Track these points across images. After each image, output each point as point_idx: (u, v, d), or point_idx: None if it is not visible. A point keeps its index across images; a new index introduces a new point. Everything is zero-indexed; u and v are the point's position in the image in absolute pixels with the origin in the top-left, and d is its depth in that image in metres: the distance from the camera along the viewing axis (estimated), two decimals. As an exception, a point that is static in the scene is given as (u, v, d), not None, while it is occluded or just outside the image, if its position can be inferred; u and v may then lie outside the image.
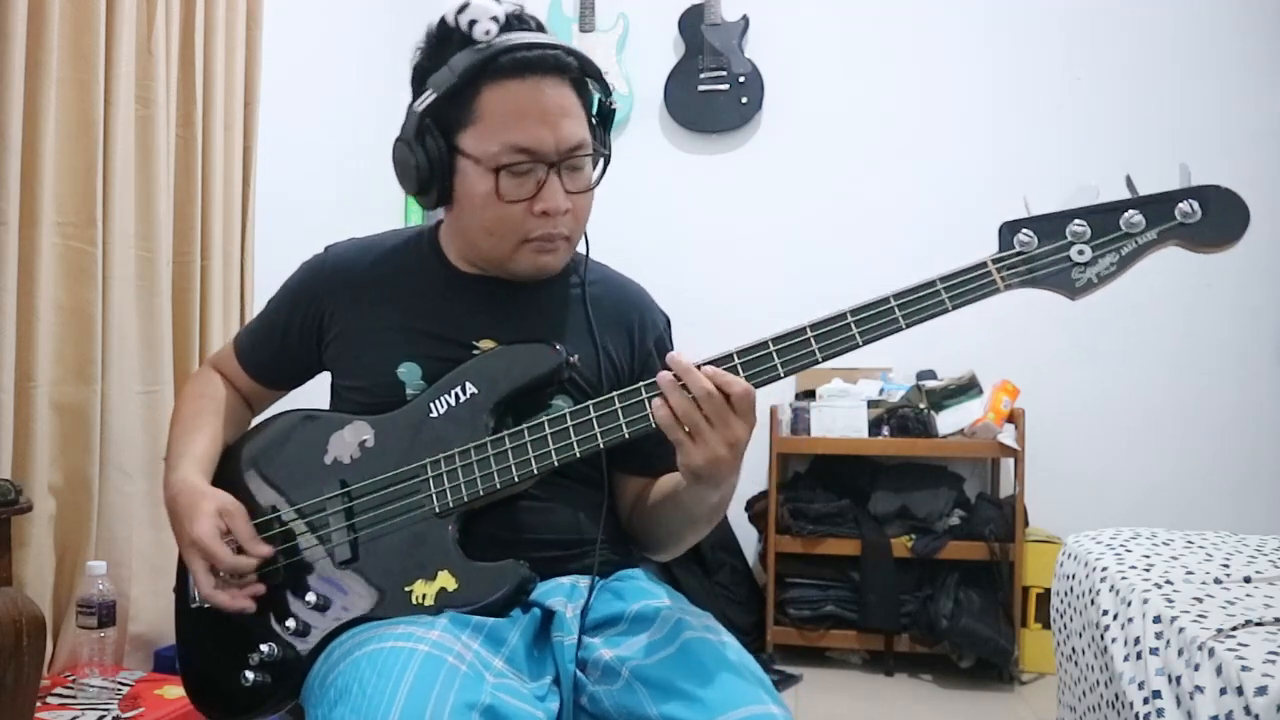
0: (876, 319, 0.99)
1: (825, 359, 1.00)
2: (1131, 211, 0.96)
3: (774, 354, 0.99)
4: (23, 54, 1.72)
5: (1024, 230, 0.98)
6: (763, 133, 3.31)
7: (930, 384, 2.98)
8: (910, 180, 3.16)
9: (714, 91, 3.26)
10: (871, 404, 2.94)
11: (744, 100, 3.25)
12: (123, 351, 1.99)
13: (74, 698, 1.72)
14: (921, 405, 2.91)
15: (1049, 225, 0.98)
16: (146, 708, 1.69)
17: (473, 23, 1.06)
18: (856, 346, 0.99)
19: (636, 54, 3.36)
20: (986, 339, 3.03)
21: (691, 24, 3.28)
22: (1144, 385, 3.05)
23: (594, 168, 1.14)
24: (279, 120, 2.50)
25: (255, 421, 1.32)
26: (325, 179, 2.77)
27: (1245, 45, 3.03)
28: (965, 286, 0.98)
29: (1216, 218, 0.95)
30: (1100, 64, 3.10)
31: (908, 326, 0.99)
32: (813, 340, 0.99)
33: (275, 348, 1.28)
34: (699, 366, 0.98)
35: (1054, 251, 0.97)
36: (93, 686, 1.77)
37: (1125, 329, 3.05)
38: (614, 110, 1.16)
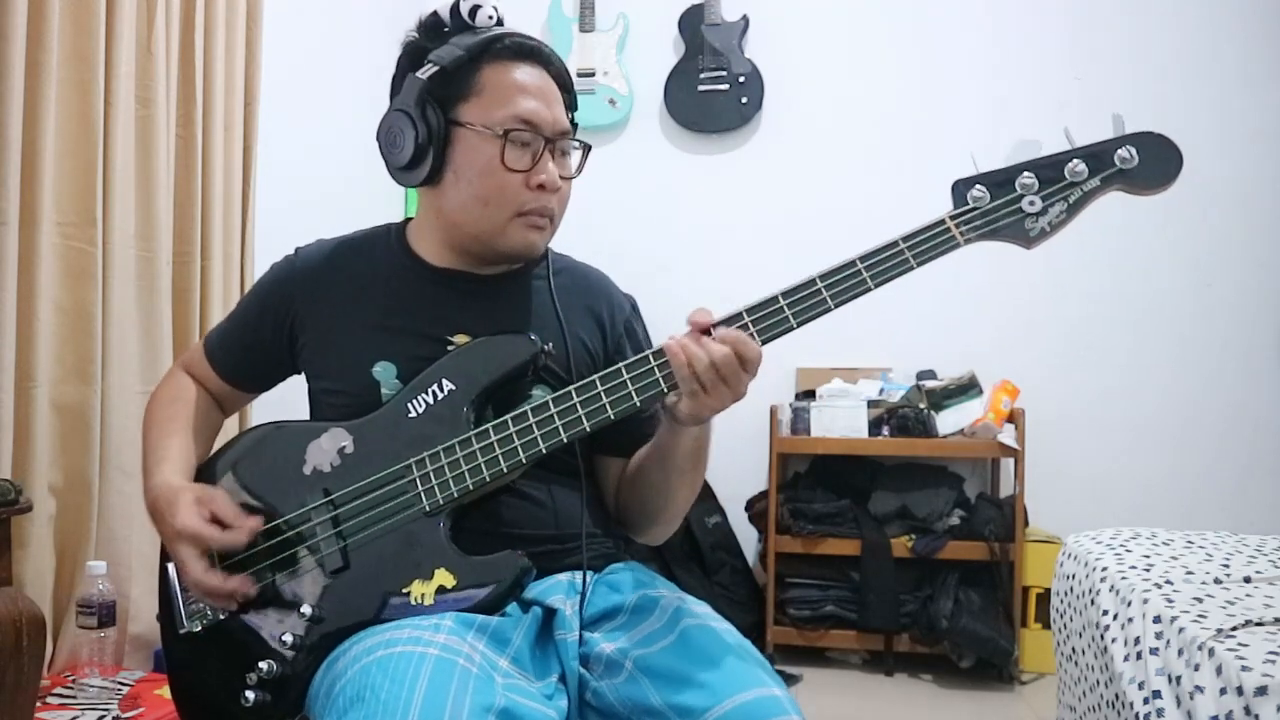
0: (845, 280, 1.03)
1: (799, 324, 1.04)
2: (1075, 161, 1.03)
3: (749, 324, 1.04)
4: (23, 54, 1.73)
5: (976, 186, 1.04)
6: (763, 133, 3.31)
7: (930, 384, 2.97)
8: (910, 180, 3.14)
9: (714, 91, 3.26)
10: (871, 404, 2.94)
11: (744, 100, 3.24)
12: (123, 351, 1.99)
13: (74, 698, 1.72)
14: (921, 405, 2.91)
15: (999, 179, 1.05)
16: (146, 708, 1.69)
17: (475, 9, 1.13)
18: (828, 309, 1.03)
19: (636, 54, 3.35)
20: (986, 339, 3.04)
21: (691, 24, 3.28)
22: (1144, 385, 3.05)
23: (578, 163, 1.19)
24: (279, 120, 2.51)
25: (226, 424, 1.32)
26: (325, 179, 2.77)
27: (1245, 45, 3.03)
28: (927, 243, 1.03)
29: (1153, 162, 1.02)
30: (1101, 64, 3.09)
31: (876, 286, 1.03)
32: (785, 307, 1.03)
33: (246, 349, 1.27)
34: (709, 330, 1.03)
35: (1007, 204, 1.04)
36: (93, 686, 1.77)
37: (1125, 329, 3.05)
38: (575, 124, 1.21)
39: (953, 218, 1.03)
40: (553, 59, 1.17)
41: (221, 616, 1.13)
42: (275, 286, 1.25)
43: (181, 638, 1.15)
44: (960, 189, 1.04)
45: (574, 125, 1.20)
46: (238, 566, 1.11)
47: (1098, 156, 1.02)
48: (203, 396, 1.30)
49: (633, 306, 1.30)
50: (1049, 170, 1.03)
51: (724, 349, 1.00)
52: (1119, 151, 1.02)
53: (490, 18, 1.14)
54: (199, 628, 1.14)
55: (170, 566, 1.17)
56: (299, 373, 1.25)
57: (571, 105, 1.20)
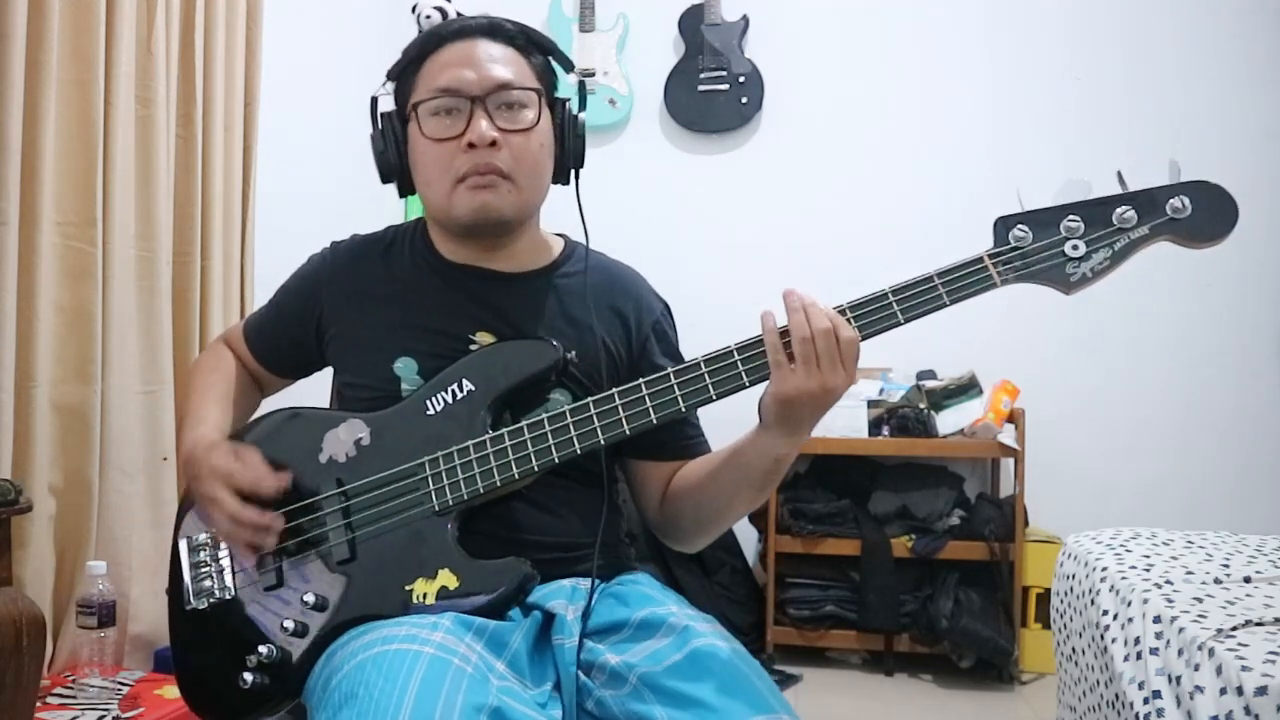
0: (875, 313, 1.00)
1: None
2: (1124, 207, 0.98)
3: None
4: (23, 54, 1.73)
5: (1019, 225, 1.00)
6: (763, 133, 3.31)
7: (930, 384, 2.97)
8: (910, 180, 3.15)
9: (714, 91, 3.26)
10: (871, 404, 2.94)
11: (744, 100, 3.24)
12: (123, 351, 1.99)
13: (74, 698, 1.72)
14: (921, 405, 2.91)
15: (1043, 220, 1.00)
16: (146, 708, 1.70)
17: (419, 15, 1.16)
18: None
19: (636, 54, 3.35)
20: (986, 339, 3.03)
21: (691, 24, 3.28)
22: (1144, 385, 3.05)
23: (536, 113, 1.15)
24: (279, 120, 2.51)
25: (260, 409, 1.33)
26: (325, 179, 2.77)
27: (1245, 45, 3.03)
28: (962, 282, 1.00)
29: (1206, 214, 0.98)
30: (1100, 64, 3.09)
31: (906, 321, 1.00)
32: None
33: (278, 338, 1.30)
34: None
35: (1049, 247, 0.99)
36: (93, 686, 1.77)
37: (1125, 329, 3.05)
38: (585, 89, 1.21)
39: (991, 257, 1.00)
40: (498, 25, 1.16)
41: (227, 597, 1.14)
42: (306, 280, 1.27)
43: (187, 615, 1.16)
44: (1002, 226, 1.00)
45: (546, 87, 1.17)
46: None
47: (1149, 203, 0.98)
48: (242, 372, 1.33)
49: (664, 309, 1.28)
50: (1096, 214, 0.98)
51: (826, 322, 0.97)
52: (1171, 201, 0.97)
53: (428, 17, 1.17)
54: (205, 605, 1.15)
55: (182, 543, 1.19)
56: (329, 365, 1.27)
57: (560, 61, 1.20)
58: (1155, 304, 3.03)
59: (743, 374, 1.02)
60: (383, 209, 2.84)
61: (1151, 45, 3.07)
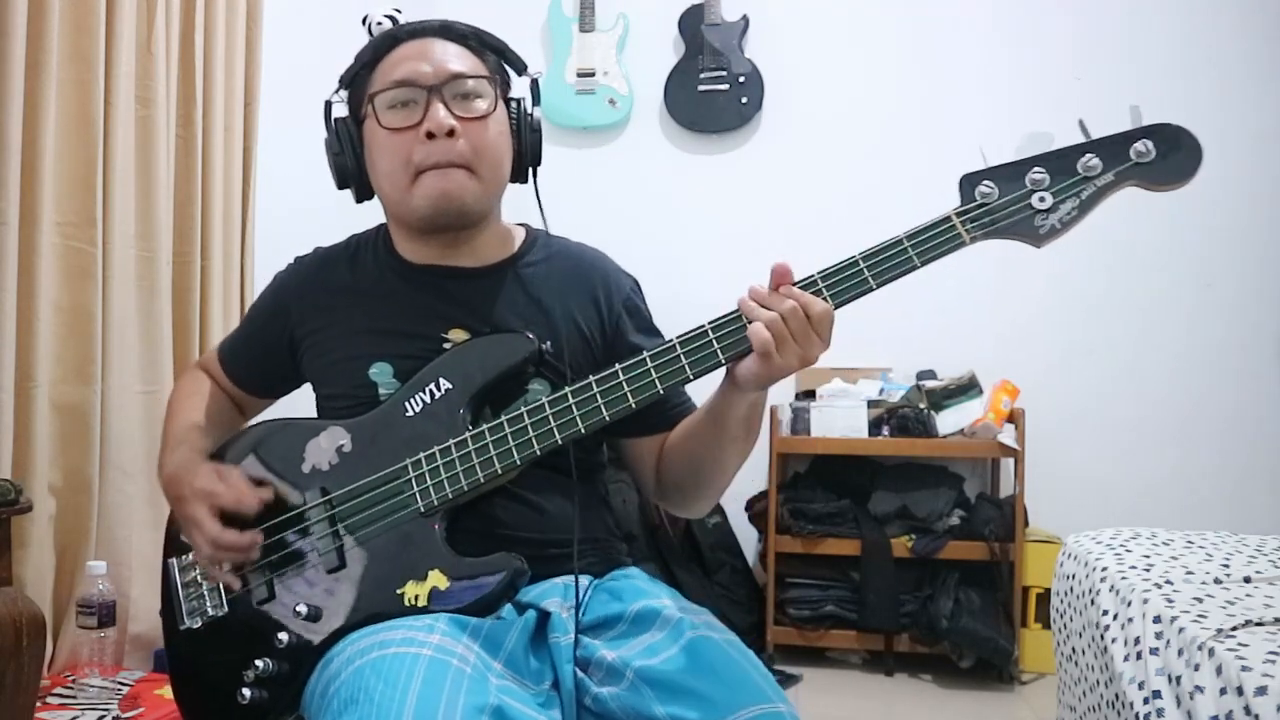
0: (847, 280, 0.99)
1: None
2: (1088, 155, 0.97)
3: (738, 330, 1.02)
4: (23, 54, 1.73)
5: (985, 182, 0.98)
6: (763, 133, 3.31)
7: (930, 384, 2.97)
8: (911, 180, 3.15)
9: (714, 91, 3.26)
10: (871, 404, 2.94)
11: (744, 100, 3.24)
12: (123, 351, 1.99)
13: (74, 698, 1.72)
14: (921, 405, 2.90)
15: (1008, 175, 0.98)
16: (146, 708, 1.70)
17: (370, 24, 1.18)
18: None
19: (636, 54, 3.35)
20: (986, 339, 3.03)
21: (691, 24, 3.28)
22: (1144, 385, 3.05)
23: (492, 102, 1.16)
24: (279, 120, 2.50)
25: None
26: (325, 179, 2.76)
27: (1245, 46, 3.03)
28: (931, 241, 0.98)
29: (1171, 156, 0.96)
30: (1101, 65, 3.09)
31: (878, 286, 0.99)
32: None
33: (253, 358, 1.31)
34: None
35: (1015, 200, 0.98)
36: (93, 686, 1.77)
37: (1126, 329, 3.05)
38: (535, 82, 1.20)
39: (959, 214, 0.98)
40: (451, 26, 1.17)
41: (220, 614, 1.14)
42: (273, 298, 1.28)
43: (181, 634, 1.17)
44: (968, 184, 0.99)
45: (500, 82, 1.17)
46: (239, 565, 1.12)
47: (1112, 150, 0.96)
48: (220, 395, 1.33)
49: (633, 285, 1.27)
50: (1061, 165, 0.97)
51: (789, 301, 0.97)
52: (1135, 145, 0.96)
53: (380, 24, 1.17)
54: (199, 624, 1.15)
55: (172, 563, 1.19)
56: (306, 381, 1.27)
57: (511, 63, 1.20)
58: (1155, 304, 3.03)
59: (718, 351, 1.01)
60: (382, 210, 2.83)
61: (1152, 46, 3.07)
